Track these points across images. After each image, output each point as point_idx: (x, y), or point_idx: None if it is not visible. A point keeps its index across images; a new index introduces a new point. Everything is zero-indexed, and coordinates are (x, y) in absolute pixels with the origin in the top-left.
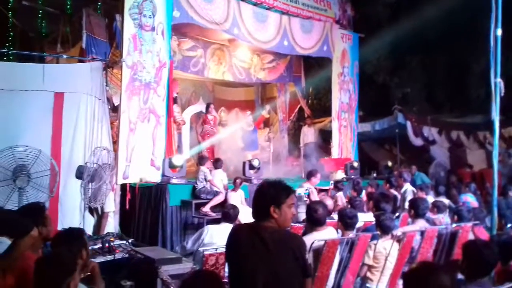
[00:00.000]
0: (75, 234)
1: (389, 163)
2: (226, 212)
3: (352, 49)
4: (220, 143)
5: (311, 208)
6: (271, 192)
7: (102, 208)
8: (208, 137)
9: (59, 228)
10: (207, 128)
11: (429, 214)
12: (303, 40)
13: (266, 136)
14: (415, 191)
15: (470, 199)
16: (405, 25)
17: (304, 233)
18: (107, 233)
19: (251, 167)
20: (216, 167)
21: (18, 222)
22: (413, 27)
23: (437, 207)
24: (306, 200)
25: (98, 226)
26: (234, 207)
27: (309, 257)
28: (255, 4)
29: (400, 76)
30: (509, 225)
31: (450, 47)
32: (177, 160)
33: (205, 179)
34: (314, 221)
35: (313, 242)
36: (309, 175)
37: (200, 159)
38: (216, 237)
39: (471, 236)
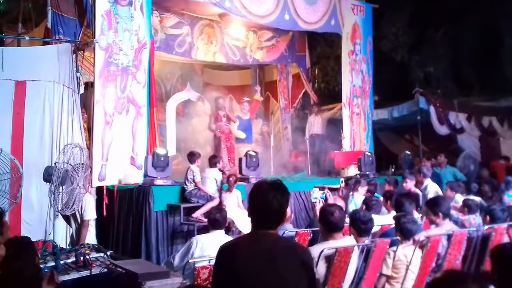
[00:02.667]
0: (21, 243)
1: (408, 152)
2: (213, 219)
3: (365, 23)
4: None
5: (326, 210)
6: (279, 194)
7: (81, 216)
8: (226, 136)
9: None
10: (221, 126)
11: (459, 215)
12: (307, 13)
13: (259, 128)
14: (437, 189)
15: (509, 200)
16: None
17: (312, 242)
18: (81, 245)
19: (249, 163)
20: (210, 165)
21: None
22: None
23: (468, 207)
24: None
25: (78, 236)
26: (220, 210)
27: (320, 268)
28: None
29: (422, 53)
30: None
31: (479, 16)
32: (162, 151)
33: (194, 180)
34: (330, 226)
35: (322, 251)
36: None
37: (190, 156)
38: (208, 248)
39: (506, 240)
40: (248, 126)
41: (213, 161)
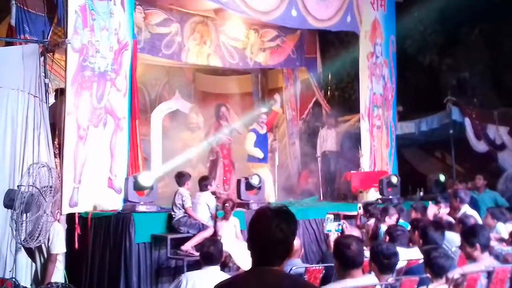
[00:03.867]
0: None
1: (441, 177)
2: (206, 252)
3: (387, 20)
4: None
5: (342, 243)
6: (286, 223)
7: (48, 249)
8: (226, 151)
9: None
10: (221, 139)
11: (502, 247)
12: (318, 9)
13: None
14: (476, 216)
15: None
16: None
17: (325, 280)
18: (48, 283)
19: (249, 186)
20: (201, 188)
21: None
22: None
23: None
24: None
25: (43, 273)
26: (215, 242)
27: None
28: None
29: (455, 55)
30: None
31: None
32: (145, 179)
33: (183, 206)
34: (347, 261)
35: None
36: None
37: (179, 178)
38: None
39: None
40: (264, 143)
41: (203, 184)
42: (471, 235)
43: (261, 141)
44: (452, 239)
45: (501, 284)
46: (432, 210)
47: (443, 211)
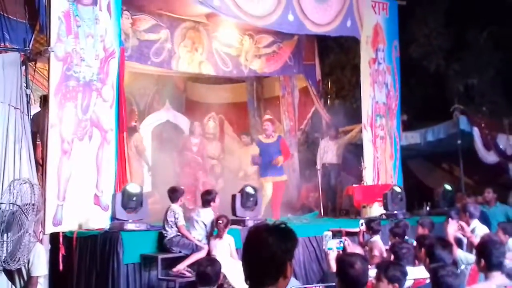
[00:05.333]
0: None
1: (448, 187)
2: (202, 272)
3: (390, 24)
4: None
5: (345, 261)
6: (281, 240)
7: (28, 271)
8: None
9: None
10: (188, 156)
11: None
12: (316, 13)
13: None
14: (487, 231)
15: None
16: None
17: None
18: None
19: (244, 202)
20: (203, 204)
21: None
22: None
23: None
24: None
25: None
26: (212, 262)
27: None
28: None
29: (462, 60)
30: None
31: None
32: (134, 188)
33: (176, 224)
34: (350, 281)
35: None
36: None
37: (172, 193)
38: None
39: None
40: (269, 151)
41: (206, 198)
42: (486, 252)
43: (265, 150)
44: (463, 257)
45: None
46: (452, 227)
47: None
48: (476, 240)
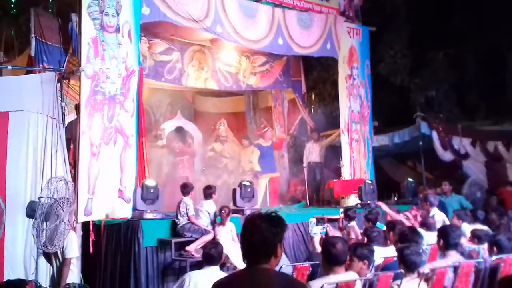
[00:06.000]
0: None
1: (411, 181)
2: (207, 253)
3: (362, 46)
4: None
5: (328, 242)
6: (272, 226)
7: (63, 254)
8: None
9: (6, 279)
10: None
11: (469, 244)
12: (301, 37)
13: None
14: (444, 218)
15: None
16: (425, 13)
17: (311, 276)
18: (67, 284)
19: (243, 194)
20: (205, 196)
21: None
22: (436, 15)
23: (478, 237)
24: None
25: (59, 276)
26: (216, 245)
27: None
28: None
29: (422, 75)
30: None
31: (482, 37)
32: (151, 184)
33: (187, 214)
34: (332, 258)
35: (322, 286)
36: None
37: (183, 188)
38: (202, 286)
39: None
40: (270, 154)
41: (207, 192)
42: (444, 235)
43: (265, 153)
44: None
45: (466, 278)
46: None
47: (414, 213)
48: (436, 225)
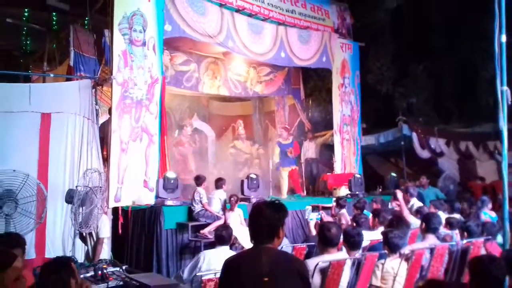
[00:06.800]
0: (62, 262)
1: (394, 175)
2: (219, 235)
3: (353, 59)
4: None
5: (325, 226)
6: (275, 212)
7: (97, 234)
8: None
9: (47, 256)
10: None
11: (444, 229)
12: (301, 51)
13: (255, 152)
14: (423, 207)
15: (485, 217)
16: (407, 32)
17: (307, 255)
18: (99, 260)
19: (250, 185)
20: (216, 187)
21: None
22: (417, 34)
23: (450, 224)
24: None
25: (93, 253)
26: (226, 228)
27: (316, 279)
28: (249, 15)
29: (405, 85)
30: None
31: (457, 53)
32: (172, 175)
33: (201, 201)
34: (326, 240)
35: (317, 264)
36: None
37: (197, 179)
38: (214, 263)
39: (483, 252)
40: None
41: (218, 183)
42: (427, 220)
43: (285, 150)
44: (413, 222)
45: (440, 258)
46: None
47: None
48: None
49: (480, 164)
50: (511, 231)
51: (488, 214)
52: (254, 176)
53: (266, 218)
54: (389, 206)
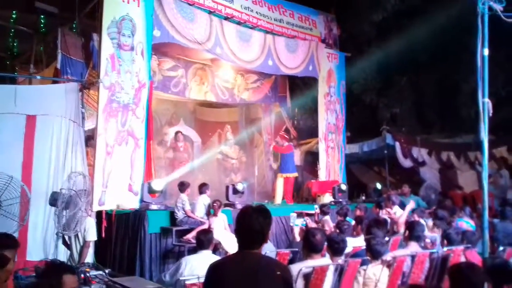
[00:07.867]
0: (59, 265)
1: (378, 185)
2: (199, 239)
3: (339, 69)
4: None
5: (310, 232)
6: (262, 217)
7: (84, 237)
8: (182, 164)
9: (28, 259)
10: (178, 155)
11: (430, 233)
12: (288, 60)
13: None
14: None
15: (465, 225)
16: (392, 44)
17: (291, 261)
18: (82, 263)
19: (235, 191)
20: (200, 192)
21: None
22: (401, 46)
23: (437, 226)
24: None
25: (79, 255)
26: (206, 232)
27: (299, 284)
28: (238, 23)
29: (388, 96)
30: (501, 248)
31: (439, 66)
32: (157, 184)
33: (183, 209)
34: (311, 246)
35: (301, 269)
36: None
37: (180, 186)
38: (196, 268)
39: (463, 260)
40: (290, 157)
41: (202, 189)
42: (411, 228)
43: (285, 155)
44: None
45: (421, 265)
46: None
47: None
48: (398, 219)
49: (461, 174)
50: (490, 240)
51: (469, 223)
52: (239, 183)
53: (256, 223)
54: (380, 215)
